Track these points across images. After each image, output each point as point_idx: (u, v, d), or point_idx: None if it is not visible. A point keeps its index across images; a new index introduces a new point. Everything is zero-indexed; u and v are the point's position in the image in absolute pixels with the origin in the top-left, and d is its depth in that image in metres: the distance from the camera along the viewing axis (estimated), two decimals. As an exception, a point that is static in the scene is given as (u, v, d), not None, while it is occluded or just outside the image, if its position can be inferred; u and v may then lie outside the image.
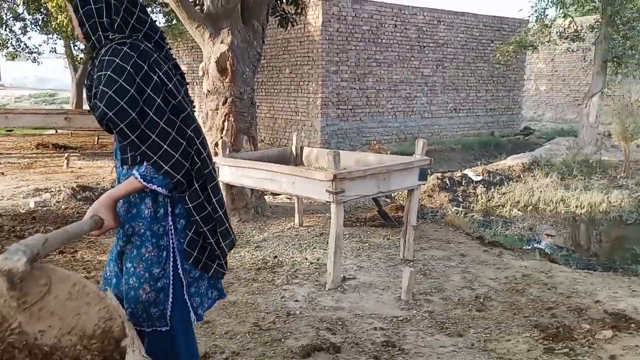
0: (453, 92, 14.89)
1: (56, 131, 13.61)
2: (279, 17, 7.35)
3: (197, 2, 7.00)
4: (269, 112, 14.09)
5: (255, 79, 6.29)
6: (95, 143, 11.48)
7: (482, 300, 3.63)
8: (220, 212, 1.90)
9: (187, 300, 1.88)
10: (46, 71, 29.80)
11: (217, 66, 5.40)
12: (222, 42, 5.35)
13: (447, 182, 8.69)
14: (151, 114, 1.71)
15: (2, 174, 8.10)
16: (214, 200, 1.87)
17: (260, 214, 5.80)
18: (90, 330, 1.59)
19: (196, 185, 1.82)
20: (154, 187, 1.74)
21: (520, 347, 2.96)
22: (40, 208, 5.92)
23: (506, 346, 2.97)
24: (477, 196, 8.34)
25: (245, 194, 5.66)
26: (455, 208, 7.48)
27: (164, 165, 1.71)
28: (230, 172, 4.62)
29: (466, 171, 9.51)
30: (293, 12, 7.42)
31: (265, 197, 6.35)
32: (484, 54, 15.20)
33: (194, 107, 1.93)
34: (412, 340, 3.03)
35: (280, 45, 13.37)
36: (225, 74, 5.44)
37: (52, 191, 6.61)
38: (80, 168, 8.82)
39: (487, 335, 3.11)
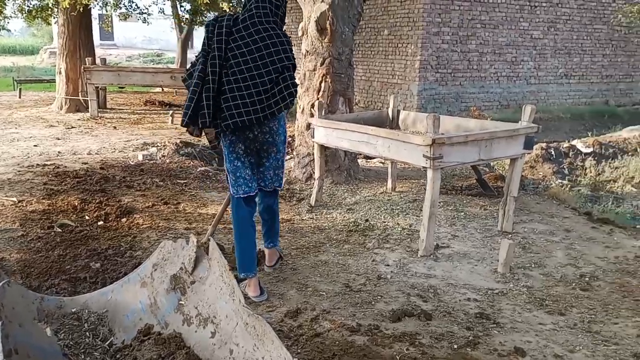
0: (565, 56, 13.77)
1: (162, 89, 14.38)
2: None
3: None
4: (364, 74, 13.88)
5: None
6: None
7: (587, 279, 3.39)
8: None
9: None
10: (154, 32, 31.34)
11: (316, 26, 5.34)
12: (322, 1, 5.27)
13: (553, 152, 8.12)
14: None
15: (115, 127, 8.71)
16: None
17: (353, 177, 5.78)
18: None
19: None
20: None
21: (629, 331, 2.74)
22: (147, 161, 6.31)
23: (613, 329, 2.76)
24: (586, 169, 7.74)
25: (339, 156, 5.64)
26: (560, 181, 7.01)
27: None
28: (325, 133, 4.59)
29: (574, 142, 8.80)
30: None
31: (359, 160, 6.30)
32: (604, 14, 13.83)
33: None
34: (508, 315, 2.90)
35: (380, 6, 13.00)
36: (324, 34, 5.37)
37: (158, 146, 7.03)
38: (183, 125, 9.25)
39: (592, 316, 2.90)
